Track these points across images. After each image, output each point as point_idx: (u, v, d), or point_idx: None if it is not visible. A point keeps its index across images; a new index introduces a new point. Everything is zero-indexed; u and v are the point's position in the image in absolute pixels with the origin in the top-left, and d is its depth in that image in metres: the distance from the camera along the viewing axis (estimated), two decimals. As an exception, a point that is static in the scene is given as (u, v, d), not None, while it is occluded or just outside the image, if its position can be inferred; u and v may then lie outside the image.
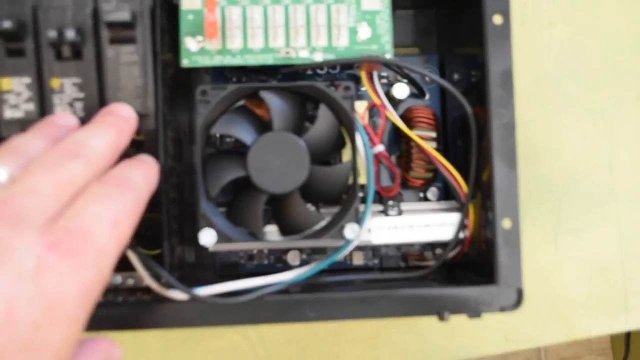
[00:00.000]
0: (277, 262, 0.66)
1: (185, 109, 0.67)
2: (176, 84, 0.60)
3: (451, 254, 0.61)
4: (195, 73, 0.67)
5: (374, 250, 0.67)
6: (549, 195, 0.73)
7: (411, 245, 0.67)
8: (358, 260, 0.67)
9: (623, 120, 0.74)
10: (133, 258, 0.57)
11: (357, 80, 0.65)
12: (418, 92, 0.66)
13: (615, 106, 0.74)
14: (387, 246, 0.67)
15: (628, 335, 1.41)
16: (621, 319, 0.73)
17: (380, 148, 0.60)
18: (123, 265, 0.61)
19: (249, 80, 0.65)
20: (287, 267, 0.66)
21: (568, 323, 0.72)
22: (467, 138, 0.61)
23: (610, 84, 0.74)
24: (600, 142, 0.74)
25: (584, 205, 0.73)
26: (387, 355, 0.71)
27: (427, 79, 0.67)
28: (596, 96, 0.74)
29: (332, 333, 0.70)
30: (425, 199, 0.67)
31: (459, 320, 0.56)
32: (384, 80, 0.67)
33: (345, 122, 0.57)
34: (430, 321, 0.57)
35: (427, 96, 0.67)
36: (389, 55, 0.57)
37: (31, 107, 0.53)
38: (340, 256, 0.58)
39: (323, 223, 0.58)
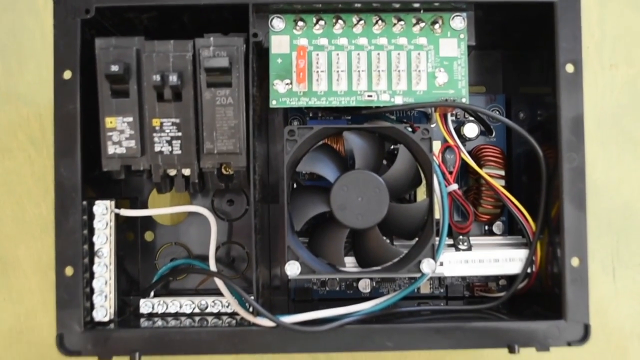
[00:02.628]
0: (348, 288, 0.70)
1: (264, 141, 0.70)
2: (261, 120, 0.64)
3: (518, 287, 0.64)
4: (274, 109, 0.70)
5: (440, 279, 0.70)
6: (607, 230, 0.75)
7: (476, 275, 0.70)
8: (425, 289, 0.70)
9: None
10: (221, 284, 0.61)
11: (427, 117, 0.69)
12: (485, 129, 0.69)
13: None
14: (452, 276, 0.70)
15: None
16: None
17: (454, 187, 0.63)
18: (207, 290, 0.65)
19: (324, 116, 0.69)
20: (357, 293, 0.69)
21: (625, 354, 0.75)
22: (532, 175, 0.64)
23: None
24: None
25: None
26: None
27: (493, 119, 0.70)
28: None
29: (397, 357, 0.73)
30: (491, 232, 0.70)
31: (522, 351, 0.59)
32: (453, 118, 0.69)
33: (422, 162, 0.60)
34: (494, 349, 0.59)
35: (494, 133, 0.70)
36: (464, 100, 0.60)
37: (132, 144, 0.58)
38: (414, 288, 0.61)
39: (401, 255, 0.61)
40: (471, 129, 0.67)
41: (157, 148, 0.58)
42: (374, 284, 0.70)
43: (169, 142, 0.58)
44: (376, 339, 0.58)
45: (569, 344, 0.59)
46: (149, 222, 0.69)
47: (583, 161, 0.59)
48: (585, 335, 0.59)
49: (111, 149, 0.58)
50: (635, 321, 0.75)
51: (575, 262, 0.59)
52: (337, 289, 0.70)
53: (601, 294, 0.75)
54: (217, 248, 0.69)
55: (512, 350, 0.58)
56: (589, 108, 0.74)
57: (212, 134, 0.58)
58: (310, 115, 0.70)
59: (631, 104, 0.76)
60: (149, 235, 0.70)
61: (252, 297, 0.58)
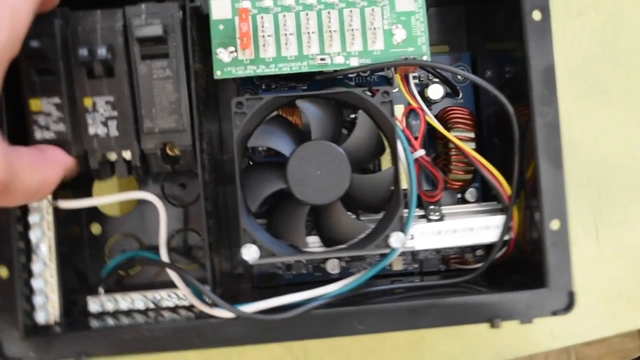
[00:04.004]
0: (315, 271, 0.65)
1: (214, 118, 0.65)
2: (208, 95, 0.59)
3: (496, 257, 0.59)
4: (223, 81, 0.65)
5: (413, 254, 0.66)
6: (587, 188, 0.71)
7: (451, 247, 0.66)
8: (398, 265, 0.66)
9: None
10: (174, 276, 0.56)
11: (389, 82, 0.64)
12: (452, 91, 0.65)
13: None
14: (426, 249, 0.65)
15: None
16: None
17: (421, 152, 0.59)
18: (164, 282, 0.60)
19: (278, 87, 0.64)
20: (326, 275, 0.65)
21: (613, 316, 0.71)
22: (504, 136, 0.60)
23: (644, 72, 0.73)
24: (636, 132, 0.72)
25: (624, 197, 0.71)
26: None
27: (459, 77, 0.65)
28: (630, 85, 0.72)
29: (375, 339, 0.69)
30: (464, 200, 0.66)
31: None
32: (416, 81, 0.65)
33: (384, 128, 0.56)
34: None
35: (461, 95, 0.65)
36: (425, 58, 0.56)
37: (62, 127, 0.52)
38: (384, 265, 0.56)
39: (368, 230, 0.56)
40: (436, 91, 0.63)
41: (91, 130, 0.52)
42: (343, 265, 0.65)
43: (104, 123, 0.52)
44: (346, 322, 0.54)
45: (554, 314, 0.55)
46: (95, 214, 0.64)
47: (557, 115, 0.55)
48: (570, 303, 0.55)
49: (38, 134, 0.52)
50: (622, 282, 0.71)
51: (555, 225, 0.55)
52: (304, 272, 0.65)
53: (585, 256, 0.71)
54: (171, 236, 0.64)
55: (493, 325, 0.54)
56: (559, 60, 0.70)
57: (151, 111, 0.52)
58: (263, 87, 0.65)
59: (602, 53, 0.72)
60: (95, 228, 0.64)
61: (208, 287, 0.53)
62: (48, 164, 0.49)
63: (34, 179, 0.46)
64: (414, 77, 0.65)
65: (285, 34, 0.55)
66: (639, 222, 0.72)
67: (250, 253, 0.53)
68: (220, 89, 0.66)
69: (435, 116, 0.63)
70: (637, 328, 0.72)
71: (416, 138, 0.59)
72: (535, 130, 0.54)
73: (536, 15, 0.55)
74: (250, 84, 0.64)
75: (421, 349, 0.69)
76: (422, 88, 0.64)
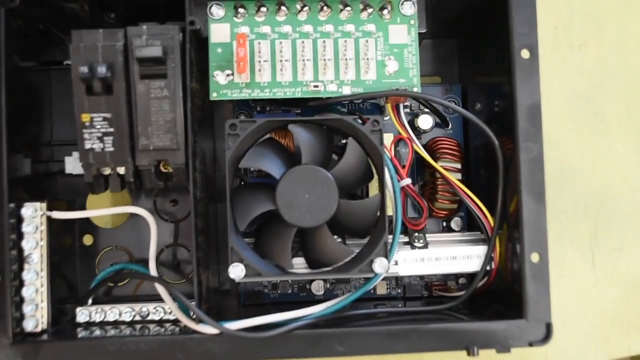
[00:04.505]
0: (300, 291, 0.66)
1: (209, 136, 0.67)
2: (203, 115, 0.60)
3: (477, 286, 0.61)
4: (219, 101, 0.67)
5: (397, 279, 0.67)
6: (585, 215, 0.73)
7: (434, 274, 0.67)
8: (382, 289, 0.67)
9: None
10: (162, 291, 0.57)
11: (380, 110, 0.65)
12: (441, 121, 0.66)
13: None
14: (410, 275, 0.67)
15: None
16: None
17: (407, 181, 0.60)
18: (152, 295, 0.61)
19: (273, 110, 0.66)
20: (310, 296, 0.66)
21: (607, 342, 0.72)
22: (490, 167, 0.61)
23: (642, 102, 0.75)
24: (634, 160, 0.74)
25: (621, 224, 0.73)
26: None
27: (449, 109, 0.67)
28: (628, 116, 0.74)
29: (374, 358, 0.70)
30: (449, 228, 0.67)
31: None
32: (407, 110, 0.67)
33: (373, 156, 0.57)
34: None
35: (450, 125, 0.67)
36: (416, 89, 0.57)
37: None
38: (367, 289, 0.58)
39: (352, 255, 0.58)
40: (425, 121, 0.64)
41: (87, 145, 0.54)
42: (328, 286, 0.66)
43: (100, 139, 0.54)
44: (327, 343, 0.55)
45: (531, 345, 0.56)
46: (87, 226, 0.65)
47: (541, 151, 0.56)
48: (547, 334, 0.56)
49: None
50: (616, 308, 0.73)
51: (535, 257, 0.56)
52: (289, 291, 0.66)
53: (581, 282, 0.72)
54: (161, 251, 0.65)
55: (470, 353, 0.55)
56: (560, 89, 0.73)
57: (147, 129, 0.54)
58: (258, 109, 0.66)
59: (602, 83, 0.74)
60: (87, 239, 0.66)
61: (194, 303, 0.54)
62: None
63: None
64: (405, 107, 0.67)
65: (281, 60, 0.56)
66: (635, 249, 0.73)
67: (236, 271, 0.54)
68: (216, 108, 0.68)
69: (424, 146, 0.65)
70: (630, 355, 0.73)
71: (403, 167, 0.61)
72: (519, 165, 0.56)
73: (524, 53, 0.56)
74: (246, 106, 0.66)
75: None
76: (413, 118, 0.65)
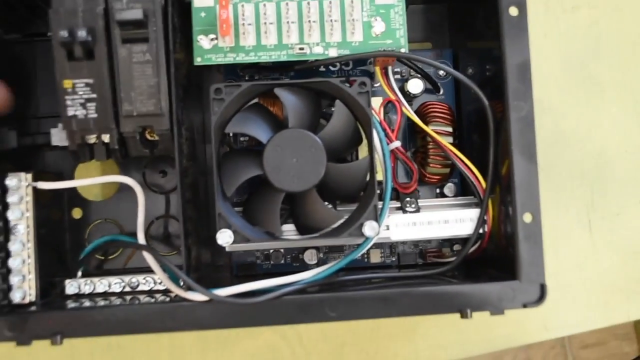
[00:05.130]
0: (294, 261, 0.66)
1: (198, 108, 0.66)
2: (189, 83, 0.60)
3: (471, 250, 0.60)
4: (208, 72, 0.66)
5: (391, 247, 0.66)
6: (581, 181, 0.72)
7: (429, 242, 0.66)
8: (375, 258, 0.66)
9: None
10: (151, 260, 0.56)
11: (370, 76, 0.64)
12: (432, 87, 0.66)
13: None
14: (404, 243, 0.66)
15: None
16: None
17: (397, 144, 0.59)
18: (142, 267, 0.61)
19: (262, 78, 0.65)
20: (304, 266, 0.65)
21: (606, 308, 0.71)
22: (482, 132, 0.60)
23: (637, 65, 0.73)
24: (630, 124, 0.73)
25: (617, 189, 0.72)
26: (425, 349, 0.70)
27: (440, 73, 0.66)
28: (624, 78, 0.73)
29: (369, 329, 0.69)
30: (442, 194, 0.66)
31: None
32: (398, 76, 0.66)
33: (361, 119, 0.56)
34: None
35: (441, 91, 0.66)
36: (403, 50, 0.56)
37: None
38: (358, 254, 0.57)
39: (341, 221, 0.57)
40: (415, 85, 0.63)
41: (70, 112, 0.53)
42: (322, 255, 0.65)
43: (83, 105, 0.53)
44: (317, 309, 0.54)
45: (525, 306, 0.55)
46: (76, 198, 0.65)
47: (532, 110, 0.55)
48: (541, 295, 0.55)
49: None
50: (615, 274, 0.72)
51: (527, 218, 0.55)
52: (282, 262, 0.66)
53: (578, 248, 0.72)
54: (151, 223, 0.65)
55: (464, 315, 0.54)
56: (553, 53, 0.72)
57: (130, 94, 0.53)
58: (247, 78, 0.65)
59: (596, 46, 0.73)
60: (76, 212, 0.65)
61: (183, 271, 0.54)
62: None
63: None
64: (395, 73, 0.66)
65: (265, 23, 0.56)
66: (632, 214, 0.72)
67: (224, 237, 0.54)
68: (205, 79, 0.67)
69: (415, 111, 0.64)
70: (630, 320, 0.72)
71: (393, 130, 0.60)
72: (509, 124, 0.55)
73: (513, 11, 0.55)
74: (234, 75, 0.65)
75: (415, 339, 0.70)
76: (403, 83, 0.64)
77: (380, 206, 0.56)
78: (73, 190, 0.64)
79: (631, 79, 0.73)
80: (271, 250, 0.65)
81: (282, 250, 0.65)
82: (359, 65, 0.65)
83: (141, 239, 0.58)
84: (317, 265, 0.65)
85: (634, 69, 0.73)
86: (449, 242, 0.66)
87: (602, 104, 0.72)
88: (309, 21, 0.56)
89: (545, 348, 1.46)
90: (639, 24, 0.73)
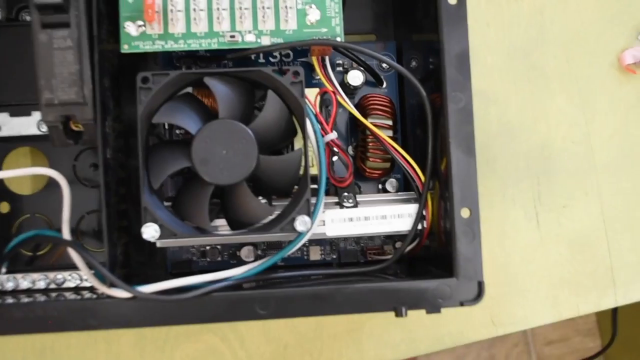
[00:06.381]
0: (231, 258, 0.64)
1: (133, 99, 0.64)
2: (121, 73, 0.57)
3: (410, 247, 0.58)
4: (144, 62, 0.64)
5: (332, 244, 0.64)
6: (527, 172, 0.70)
7: (371, 239, 0.64)
8: (315, 255, 0.64)
9: (597, 91, 0.72)
10: (74, 255, 0.54)
11: (312, 68, 0.63)
12: (375, 79, 0.64)
13: (588, 77, 0.72)
14: (345, 240, 0.64)
15: (615, 315, 1.39)
16: (609, 295, 0.71)
17: (332, 136, 0.57)
18: (68, 263, 0.58)
19: (198, 68, 0.63)
20: (241, 263, 0.63)
21: (555, 303, 0.70)
22: (425, 126, 0.59)
23: (582, 54, 0.72)
24: (576, 115, 0.71)
25: (564, 181, 0.71)
26: (371, 348, 0.68)
27: (384, 66, 0.65)
28: (569, 67, 0.72)
29: (312, 329, 0.67)
30: (384, 190, 0.65)
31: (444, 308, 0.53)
32: (340, 69, 0.64)
33: (294, 109, 0.54)
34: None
35: (385, 84, 0.65)
36: (339, 39, 0.55)
37: None
38: (292, 250, 0.55)
39: (274, 216, 0.55)
40: (355, 77, 0.62)
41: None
42: (259, 252, 0.64)
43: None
44: (248, 306, 0.52)
45: (462, 304, 0.53)
46: (3, 192, 0.62)
47: (470, 102, 0.54)
48: (479, 293, 0.53)
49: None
50: (563, 267, 0.70)
51: (465, 213, 0.53)
52: (219, 258, 0.64)
53: (526, 241, 0.70)
54: (81, 218, 0.62)
55: (398, 314, 0.52)
56: (497, 43, 0.71)
57: (51, 82, 0.51)
58: (184, 69, 0.63)
59: (540, 35, 0.71)
60: (4, 207, 0.62)
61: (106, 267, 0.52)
62: None
63: None
64: (338, 65, 0.64)
65: (195, 9, 0.54)
66: (579, 206, 0.71)
67: (150, 232, 0.51)
68: (140, 70, 0.64)
69: (356, 104, 0.62)
70: (580, 314, 0.70)
71: (328, 122, 0.58)
72: (447, 117, 0.53)
73: (451, -1, 0.54)
74: (171, 65, 0.63)
75: (360, 338, 0.68)
76: (344, 75, 0.63)
77: (314, 201, 0.54)
78: (0, 183, 0.62)
79: (576, 68, 0.72)
80: (207, 247, 0.63)
81: (218, 246, 0.63)
82: (300, 57, 0.64)
83: (66, 234, 0.55)
84: (255, 262, 0.63)
85: (578, 59, 0.72)
86: (391, 239, 0.65)
87: (547, 94, 0.71)
88: (241, 8, 0.54)
89: (508, 345, 1.46)
90: (583, 13, 0.72)
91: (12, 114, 0.60)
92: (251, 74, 0.54)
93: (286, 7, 0.54)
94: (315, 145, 0.55)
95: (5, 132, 0.60)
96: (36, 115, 0.60)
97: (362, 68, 0.63)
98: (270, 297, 0.52)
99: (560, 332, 1.50)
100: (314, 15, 0.54)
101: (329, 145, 0.57)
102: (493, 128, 0.70)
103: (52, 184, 0.62)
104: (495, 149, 0.70)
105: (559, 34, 0.72)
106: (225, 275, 0.54)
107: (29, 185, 0.63)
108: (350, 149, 0.64)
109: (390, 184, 0.64)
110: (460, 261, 0.53)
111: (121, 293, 0.51)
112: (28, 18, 0.61)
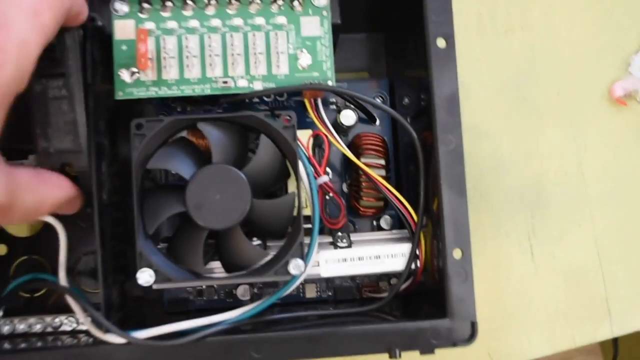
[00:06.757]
0: (227, 296, 0.64)
1: (128, 141, 0.64)
2: (116, 115, 0.58)
3: (404, 286, 0.59)
4: (139, 104, 0.64)
5: (327, 282, 0.65)
6: (520, 206, 0.71)
7: (366, 276, 0.65)
8: (311, 292, 0.65)
9: (589, 124, 0.73)
10: (71, 300, 0.54)
11: (304, 107, 0.63)
12: (367, 117, 0.65)
13: (579, 110, 0.73)
14: (341, 277, 0.65)
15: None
16: (605, 325, 0.71)
17: (324, 179, 0.58)
18: (64, 305, 0.59)
19: (194, 111, 0.63)
20: (237, 302, 0.63)
21: (552, 335, 0.70)
22: (418, 164, 0.59)
23: (573, 87, 0.73)
24: (568, 148, 0.72)
25: (558, 213, 0.71)
26: None
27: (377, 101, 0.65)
28: (560, 100, 0.72)
29: None
30: (379, 227, 0.65)
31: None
32: (333, 107, 0.65)
33: (287, 153, 0.55)
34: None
35: (377, 121, 0.65)
36: (330, 82, 0.55)
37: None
38: (285, 292, 0.55)
39: (267, 258, 0.55)
40: (347, 116, 0.62)
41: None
42: (256, 291, 0.64)
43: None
44: (242, 350, 0.52)
45: (455, 345, 0.54)
46: (0, 234, 0.62)
47: (460, 143, 0.54)
48: (472, 333, 0.54)
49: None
50: (559, 299, 0.71)
51: (457, 254, 0.54)
52: (216, 297, 0.64)
53: (520, 273, 0.71)
54: (78, 259, 0.63)
55: (392, 355, 0.53)
56: (489, 77, 0.71)
57: (47, 131, 0.51)
58: (179, 110, 0.64)
59: (531, 69, 0.72)
60: (1, 249, 0.63)
61: (101, 313, 0.52)
62: (44, 185, 0.49)
63: (31, 199, 0.46)
64: (331, 103, 0.65)
65: (188, 56, 0.54)
66: (573, 238, 0.72)
67: (145, 277, 0.52)
68: (138, 112, 0.65)
69: (350, 143, 0.63)
70: (576, 345, 0.71)
71: (321, 164, 0.58)
72: (438, 158, 0.54)
73: (440, 42, 0.55)
74: (167, 107, 0.64)
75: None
76: (337, 114, 0.63)
77: (307, 242, 0.54)
78: (-5, 226, 0.62)
79: (567, 101, 0.72)
80: (203, 286, 0.63)
81: (214, 285, 0.63)
82: (293, 96, 0.64)
83: (62, 278, 0.56)
84: (251, 300, 0.63)
85: (569, 92, 0.73)
86: (387, 275, 0.65)
87: (539, 127, 0.72)
88: (233, 54, 0.54)
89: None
90: (573, 46, 0.73)
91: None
92: (244, 119, 0.54)
93: (278, 52, 0.55)
94: (308, 187, 0.55)
95: (2, 175, 0.60)
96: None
97: (353, 107, 0.63)
98: (265, 341, 0.53)
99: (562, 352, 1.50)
100: (305, 60, 0.55)
101: (322, 187, 0.58)
102: (486, 162, 0.70)
103: (49, 226, 0.63)
104: (488, 183, 0.70)
105: (550, 67, 0.73)
106: (220, 319, 0.54)
107: (26, 227, 0.63)
108: (344, 186, 0.64)
109: (385, 220, 0.65)
110: (453, 302, 0.54)
111: (117, 339, 0.51)
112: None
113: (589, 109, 0.73)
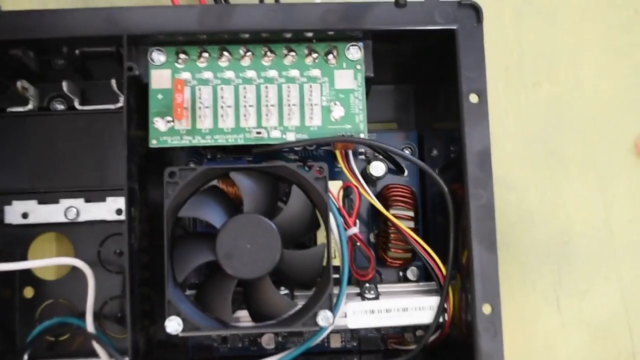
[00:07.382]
0: (251, 345, 0.64)
1: (159, 184, 0.65)
2: (148, 161, 0.59)
3: (431, 338, 0.58)
4: (170, 150, 0.65)
5: (352, 331, 0.64)
6: (547, 258, 0.70)
7: (389, 327, 0.64)
8: (336, 342, 0.64)
9: (616, 175, 0.73)
10: (97, 347, 0.55)
11: (334, 156, 0.64)
12: (396, 168, 0.65)
13: (606, 162, 0.73)
14: (366, 328, 0.64)
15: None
16: None
17: (354, 230, 0.58)
18: (89, 350, 0.59)
19: (224, 158, 0.64)
20: (262, 350, 0.63)
21: None
22: (446, 213, 0.59)
23: (600, 139, 0.73)
24: (595, 200, 0.72)
25: (584, 266, 0.71)
26: None
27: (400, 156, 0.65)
28: (587, 153, 0.72)
29: None
30: (405, 278, 0.65)
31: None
32: (362, 157, 0.65)
33: (317, 204, 0.55)
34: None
35: (406, 172, 0.65)
36: (363, 135, 0.56)
37: None
38: (312, 344, 0.55)
39: (295, 309, 0.55)
40: (377, 167, 0.62)
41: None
42: (280, 339, 0.64)
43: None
44: (268, 402, 0.52)
45: (483, 401, 0.53)
46: (28, 277, 0.63)
47: (492, 198, 0.54)
48: (501, 389, 0.53)
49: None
50: (585, 353, 0.70)
51: (487, 309, 0.54)
52: (240, 345, 0.64)
53: (547, 326, 0.70)
54: (105, 303, 0.63)
55: (420, 412, 0.52)
56: (516, 129, 0.71)
57: (81, 177, 0.52)
58: (209, 157, 0.64)
59: (558, 122, 0.72)
60: (28, 292, 0.63)
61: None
62: None
63: None
64: (360, 154, 0.65)
65: (223, 106, 0.55)
66: (600, 291, 0.71)
67: (173, 325, 0.52)
68: (167, 156, 0.66)
69: (378, 193, 0.63)
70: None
71: (351, 215, 0.58)
72: (469, 213, 0.54)
73: (473, 98, 0.55)
74: (197, 154, 0.64)
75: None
76: (367, 164, 0.63)
77: (336, 292, 0.54)
78: (24, 268, 0.62)
79: (594, 154, 0.72)
80: (228, 334, 0.63)
81: (239, 334, 0.63)
82: (322, 145, 0.64)
83: (89, 324, 0.56)
84: (275, 349, 0.63)
85: (596, 145, 0.72)
86: (412, 327, 0.64)
87: (565, 180, 0.72)
88: (267, 105, 0.55)
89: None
90: (599, 99, 0.73)
91: (40, 202, 0.61)
92: (276, 169, 0.55)
93: (311, 104, 0.55)
94: (337, 238, 0.55)
95: (33, 219, 0.61)
96: (63, 203, 0.61)
97: (381, 156, 0.64)
98: (290, 393, 0.52)
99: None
100: (338, 112, 0.55)
101: (351, 238, 0.58)
102: (512, 214, 0.70)
103: (76, 268, 0.63)
104: (514, 235, 0.70)
105: (577, 120, 0.73)
106: (248, 370, 0.54)
107: (53, 271, 0.64)
108: (371, 236, 0.64)
109: (412, 272, 0.65)
110: (482, 358, 0.53)
111: (143, 389, 0.51)
112: (59, 107, 0.62)
113: (615, 162, 0.73)
